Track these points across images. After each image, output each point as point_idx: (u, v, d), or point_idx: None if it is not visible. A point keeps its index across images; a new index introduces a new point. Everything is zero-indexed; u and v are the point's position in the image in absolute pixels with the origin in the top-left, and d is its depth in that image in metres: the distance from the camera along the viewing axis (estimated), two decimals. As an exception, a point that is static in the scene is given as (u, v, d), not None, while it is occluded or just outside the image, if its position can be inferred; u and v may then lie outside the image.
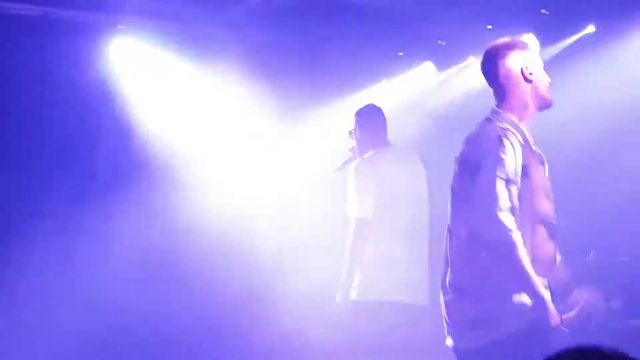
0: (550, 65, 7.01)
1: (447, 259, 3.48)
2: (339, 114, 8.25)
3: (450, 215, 3.51)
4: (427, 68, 7.88)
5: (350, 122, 5.47)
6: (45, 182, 6.98)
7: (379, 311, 4.62)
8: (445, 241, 3.50)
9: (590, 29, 6.78)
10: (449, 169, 3.55)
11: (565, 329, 3.31)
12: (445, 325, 3.50)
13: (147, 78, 7.31)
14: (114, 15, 6.94)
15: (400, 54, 7.86)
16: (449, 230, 3.50)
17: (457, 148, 3.53)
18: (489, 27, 7.01)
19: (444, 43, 7.58)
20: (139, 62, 7.23)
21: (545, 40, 7.00)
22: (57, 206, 6.89)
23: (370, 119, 5.29)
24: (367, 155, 5.11)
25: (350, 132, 5.38)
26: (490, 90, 3.66)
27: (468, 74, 7.40)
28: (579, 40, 6.86)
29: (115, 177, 7.06)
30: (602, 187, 6.36)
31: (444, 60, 7.75)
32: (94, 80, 7.05)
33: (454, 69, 7.69)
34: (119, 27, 7.06)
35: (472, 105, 7.25)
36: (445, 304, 3.47)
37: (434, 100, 7.80)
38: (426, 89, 7.92)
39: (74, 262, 6.83)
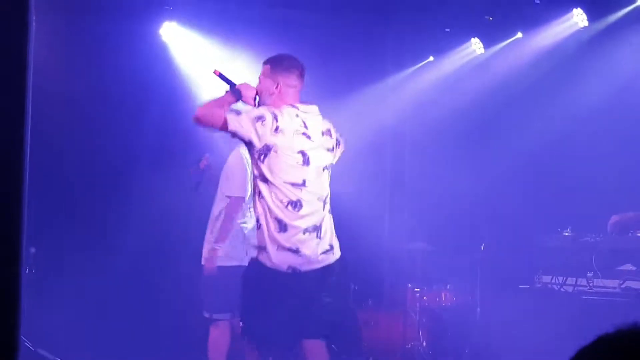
0: (599, 39, 6.98)
1: None
2: (388, 91, 8.25)
3: None
4: (474, 44, 7.84)
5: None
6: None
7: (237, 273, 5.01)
8: None
9: (641, 2, 6.68)
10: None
11: None
12: None
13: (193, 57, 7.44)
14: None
15: (447, 30, 7.82)
16: None
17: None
18: (537, 1, 6.95)
19: (491, 18, 7.52)
20: (185, 42, 7.36)
21: (594, 14, 6.93)
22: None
23: None
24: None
25: None
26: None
27: (516, 50, 7.35)
28: (628, 13, 6.76)
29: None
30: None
31: (491, 36, 7.70)
32: (143, 60, 7.17)
33: (501, 45, 7.62)
34: (167, 7, 7.16)
35: (521, 81, 7.22)
36: None
37: (481, 76, 7.74)
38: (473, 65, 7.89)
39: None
